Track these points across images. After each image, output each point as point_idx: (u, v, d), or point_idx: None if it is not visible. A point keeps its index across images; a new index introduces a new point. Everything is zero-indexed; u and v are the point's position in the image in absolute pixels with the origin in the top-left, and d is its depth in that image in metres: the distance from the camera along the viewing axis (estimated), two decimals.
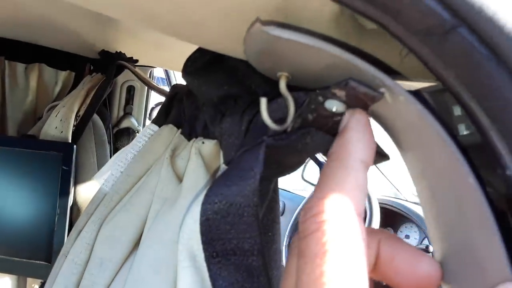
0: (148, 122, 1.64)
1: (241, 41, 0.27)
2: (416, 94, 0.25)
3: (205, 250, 0.28)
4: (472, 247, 0.24)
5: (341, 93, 0.25)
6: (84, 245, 0.42)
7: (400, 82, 0.25)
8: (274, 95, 0.30)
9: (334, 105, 0.26)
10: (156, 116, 0.52)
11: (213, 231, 0.28)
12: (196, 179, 0.37)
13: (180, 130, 0.45)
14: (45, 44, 1.28)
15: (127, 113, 1.47)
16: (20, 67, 1.33)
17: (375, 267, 0.27)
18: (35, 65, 1.35)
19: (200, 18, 0.26)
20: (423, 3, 0.20)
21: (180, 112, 0.47)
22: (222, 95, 0.35)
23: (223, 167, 0.34)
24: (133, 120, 1.46)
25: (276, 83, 0.28)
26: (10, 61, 1.32)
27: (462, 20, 0.20)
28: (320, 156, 2.05)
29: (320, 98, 0.27)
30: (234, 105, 0.35)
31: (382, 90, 0.24)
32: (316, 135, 0.28)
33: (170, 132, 0.46)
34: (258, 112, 0.32)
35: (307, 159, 1.58)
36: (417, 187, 0.28)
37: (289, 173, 0.33)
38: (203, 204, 0.28)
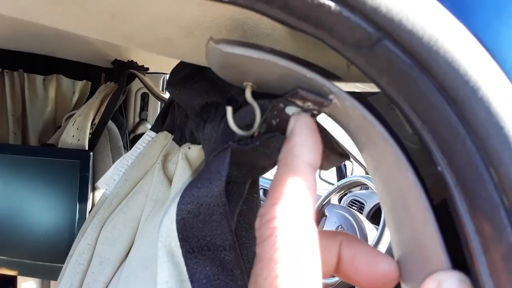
0: None
1: (200, 52, 0.30)
2: (363, 98, 0.27)
3: (182, 246, 0.31)
4: (418, 240, 0.26)
5: (295, 100, 0.28)
6: (87, 246, 0.46)
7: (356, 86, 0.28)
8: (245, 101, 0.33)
9: (293, 111, 0.29)
10: (154, 123, 0.55)
11: (188, 229, 0.31)
12: (182, 182, 0.40)
13: (172, 136, 0.48)
14: (61, 56, 1.35)
15: (143, 119, 1.52)
16: (38, 79, 1.40)
17: (337, 267, 0.28)
18: (53, 76, 1.42)
19: (167, 36, 0.30)
20: (351, 20, 0.22)
21: (173, 119, 0.50)
22: (204, 104, 0.38)
23: None
24: (149, 126, 1.52)
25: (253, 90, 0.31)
26: (29, 73, 1.39)
27: (385, 33, 0.22)
28: None
29: (281, 105, 0.29)
30: (214, 112, 0.38)
31: (331, 96, 0.27)
32: (280, 138, 0.30)
33: (165, 138, 0.50)
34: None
35: None
36: (374, 185, 0.30)
37: (263, 173, 0.35)
38: (178, 204, 0.31)
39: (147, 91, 1.50)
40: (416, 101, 0.23)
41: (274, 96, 0.31)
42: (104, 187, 0.54)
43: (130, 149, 1.41)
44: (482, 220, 0.22)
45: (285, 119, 0.30)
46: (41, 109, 1.43)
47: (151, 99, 1.53)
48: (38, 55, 1.36)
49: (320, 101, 0.27)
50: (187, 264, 0.31)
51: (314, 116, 0.29)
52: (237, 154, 0.30)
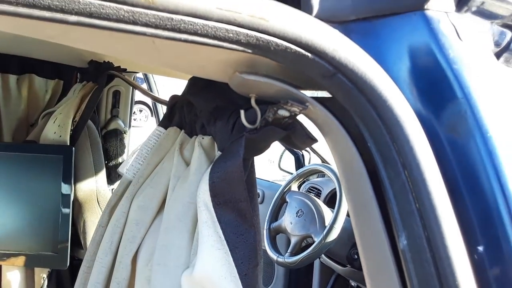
0: (133, 122, 1.83)
1: (225, 76, 0.49)
2: (325, 103, 0.47)
3: (212, 201, 0.50)
4: (367, 221, 0.46)
5: (286, 106, 0.48)
6: (122, 214, 0.63)
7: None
8: (249, 105, 0.52)
9: (283, 112, 0.49)
10: (161, 121, 0.73)
11: (217, 188, 0.50)
12: (199, 163, 0.59)
13: (183, 130, 0.66)
14: (36, 56, 1.46)
15: (114, 116, 1.66)
16: (12, 78, 1.50)
17: None
18: (25, 76, 1.52)
19: (202, 65, 0.48)
20: (320, 63, 0.42)
21: (181, 117, 0.68)
22: (215, 106, 0.57)
23: (218, 153, 0.56)
24: (120, 122, 1.66)
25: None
26: (2, 73, 1.48)
27: (338, 70, 0.42)
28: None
29: (275, 109, 0.49)
30: (223, 112, 0.57)
31: (307, 104, 0.47)
32: (274, 129, 0.50)
33: (175, 132, 0.68)
34: (239, 117, 0.54)
35: (284, 150, 1.81)
36: (333, 158, 0.51)
37: (261, 153, 0.55)
38: (210, 173, 0.50)
39: (119, 89, 1.64)
40: (355, 106, 0.44)
41: (269, 103, 0.50)
42: (125, 171, 0.71)
43: (102, 145, 1.54)
44: (390, 170, 0.42)
45: (278, 117, 0.49)
46: (14, 108, 1.52)
47: (122, 97, 1.66)
48: (11, 55, 1.45)
49: (300, 107, 0.47)
50: (216, 212, 0.50)
51: (296, 115, 0.49)
52: (248, 140, 0.49)
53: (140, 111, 7.72)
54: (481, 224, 0.41)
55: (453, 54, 0.42)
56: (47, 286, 1.35)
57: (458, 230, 0.40)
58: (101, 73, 1.34)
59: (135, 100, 2.14)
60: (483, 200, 0.41)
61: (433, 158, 0.41)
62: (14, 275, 1.38)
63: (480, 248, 0.40)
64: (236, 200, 0.50)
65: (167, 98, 0.80)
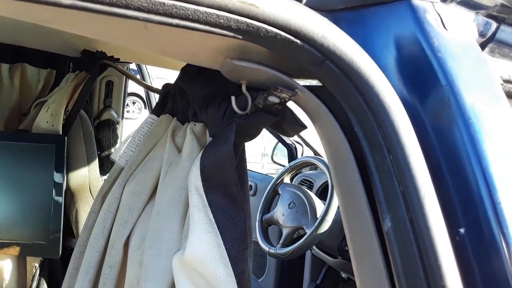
0: (125, 113, 1.83)
1: (217, 62, 0.50)
2: (317, 90, 0.48)
3: (203, 185, 0.51)
4: (354, 204, 0.48)
5: (276, 92, 0.49)
6: (114, 199, 0.65)
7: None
8: (240, 92, 0.53)
9: (273, 99, 0.50)
10: (154, 109, 0.74)
11: (208, 173, 0.51)
12: (191, 149, 0.60)
13: (175, 118, 0.67)
14: (29, 45, 1.46)
15: (107, 106, 1.66)
16: (4, 67, 1.50)
17: None
18: (18, 65, 1.52)
19: (194, 51, 0.49)
20: (309, 50, 0.43)
21: (174, 104, 0.69)
22: (207, 93, 0.58)
23: (210, 139, 0.57)
24: (113, 112, 1.66)
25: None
26: None
27: (327, 57, 0.43)
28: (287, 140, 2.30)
29: (266, 95, 0.50)
30: (214, 99, 0.58)
31: (296, 90, 0.48)
32: (264, 115, 0.51)
33: (167, 120, 0.69)
34: (230, 103, 0.55)
35: (276, 143, 1.83)
36: (322, 144, 0.52)
37: (251, 139, 0.56)
38: (201, 158, 0.51)
39: (112, 79, 1.64)
40: (343, 93, 0.45)
41: (260, 89, 0.52)
42: (117, 158, 0.72)
43: (95, 135, 1.54)
44: (376, 154, 0.44)
45: (268, 104, 0.51)
46: (6, 97, 1.52)
47: (115, 87, 1.67)
48: (4, 44, 1.45)
49: (290, 93, 0.48)
50: (207, 196, 0.51)
51: (286, 101, 0.50)
52: (238, 125, 0.50)
53: (134, 103, 7.70)
54: (463, 206, 0.42)
55: (438, 42, 0.44)
56: (39, 275, 1.36)
57: (440, 213, 0.41)
58: (94, 62, 1.35)
59: (129, 92, 2.14)
60: (465, 184, 0.42)
61: (417, 143, 0.42)
62: (6, 264, 1.39)
63: (462, 230, 0.42)
64: (226, 185, 0.51)
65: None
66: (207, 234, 0.50)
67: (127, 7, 0.37)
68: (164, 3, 0.38)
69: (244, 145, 0.58)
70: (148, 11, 0.38)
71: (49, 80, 1.57)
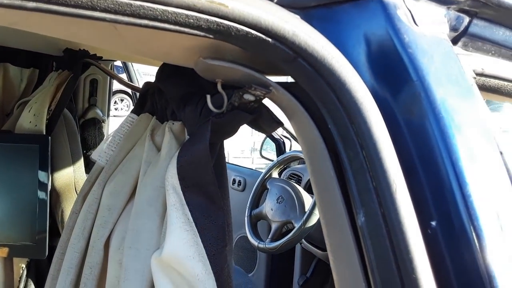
0: (113, 110, 1.82)
1: (191, 61, 0.50)
2: (289, 87, 0.48)
3: (181, 184, 0.51)
4: (329, 200, 0.48)
5: (250, 90, 0.49)
6: (94, 200, 0.64)
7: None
8: (216, 90, 0.54)
9: (248, 97, 0.50)
10: (134, 108, 0.74)
11: (185, 172, 0.51)
12: (170, 148, 0.60)
13: (155, 117, 0.67)
14: (11, 45, 1.44)
15: (92, 105, 1.65)
16: None
17: None
18: (0, 65, 1.49)
19: (167, 51, 0.49)
20: (281, 48, 0.43)
21: (153, 103, 0.69)
22: (184, 92, 0.58)
23: (187, 137, 0.57)
24: (98, 111, 1.65)
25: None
26: None
27: (299, 55, 0.43)
28: (276, 134, 2.30)
29: (241, 93, 0.50)
30: (191, 98, 0.58)
31: (271, 88, 0.48)
32: (240, 113, 0.51)
33: (147, 118, 0.69)
34: (206, 102, 0.55)
35: (265, 138, 1.82)
36: (304, 156, 0.52)
37: (228, 137, 0.56)
38: (178, 157, 0.51)
39: (96, 77, 1.63)
40: (316, 90, 0.45)
41: (235, 87, 0.52)
42: (97, 158, 0.72)
43: (80, 134, 1.53)
44: (349, 150, 0.44)
45: (243, 102, 0.51)
46: None
47: (100, 85, 1.65)
48: None
49: (264, 91, 0.48)
50: (184, 195, 0.52)
51: (261, 99, 0.50)
52: (214, 124, 0.51)
53: (122, 100, 7.64)
54: (434, 200, 0.43)
55: (408, 38, 0.44)
56: (26, 275, 1.35)
57: (411, 207, 0.42)
58: (76, 61, 1.33)
59: (116, 89, 2.12)
60: (436, 178, 0.43)
61: (389, 138, 0.43)
62: None
63: (433, 223, 0.43)
64: (203, 183, 0.51)
65: None
66: (185, 232, 0.50)
67: (93, 8, 0.37)
68: (131, 4, 0.38)
69: (222, 143, 0.58)
70: (115, 12, 0.38)
71: (32, 79, 1.55)
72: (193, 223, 0.50)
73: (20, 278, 1.36)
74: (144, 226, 0.56)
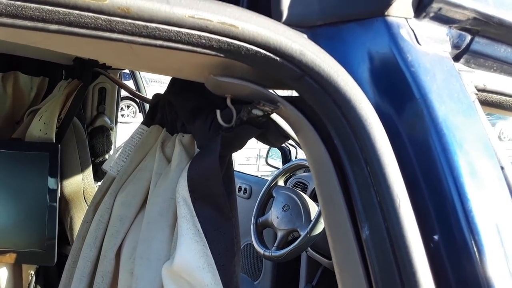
0: (119, 117, 1.85)
1: (202, 77, 0.52)
2: (295, 102, 0.50)
3: (191, 196, 0.53)
4: (335, 213, 0.50)
5: (259, 106, 0.51)
6: (106, 209, 0.66)
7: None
8: (226, 105, 0.56)
9: (257, 112, 0.52)
10: (144, 119, 0.76)
11: (195, 184, 0.53)
12: (180, 160, 0.62)
13: (165, 128, 0.69)
14: (21, 54, 1.47)
15: (100, 113, 1.67)
16: None
17: None
18: (10, 73, 1.53)
19: (179, 68, 0.51)
20: (288, 66, 0.45)
21: (163, 115, 0.71)
22: (194, 106, 0.60)
23: (197, 150, 0.59)
24: (106, 119, 1.68)
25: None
26: None
27: (306, 73, 0.45)
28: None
29: (250, 108, 0.52)
30: (201, 112, 0.60)
31: (278, 103, 0.50)
32: (249, 128, 0.53)
33: (157, 130, 0.71)
34: (216, 116, 0.57)
35: (269, 148, 1.84)
36: (305, 154, 0.54)
37: (237, 150, 0.58)
38: (188, 170, 0.53)
39: (104, 85, 1.65)
40: (322, 106, 0.47)
41: (244, 102, 0.54)
42: (109, 168, 0.74)
43: (88, 141, 1.56)
44: (354, 165, 0.46)
45: (252, 117, 0.53)
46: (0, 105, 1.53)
47: (108, 93, 1.68)
48: None
49: (272, 107, 0.50)
50: (194, 207, 0.53)
51: (269, 114, 0.52)
52: (224, 138, 0.53)
53: (128, 107, 7.71)
54: (436, 214, 0.44)
55: (411, 57, 0.46)
56: (35, 282, 1.38)
57: (415, 221, 0.43)
58: (86, 70, 1.36)
59: (123, 96, 2.15)
60: (438, 193, 0.44)
61: (392, 154, 0.45)
62: (1, 272, 1.40)
63: (436, 237, 0.44)
64: (213, 195, 0.53)
65: (158, 90, 0.83)
66: (195, 243, 0.52)
67: (111, 30, 0.39)
68: (147, 26, 0.40)
69: (230, 156, 0.60)
70: (132, 34, 0.40)
71: (42, 87, 1.58)
72: (203, 235, 0.52)
73: (29, 284, 1.38)
74: (155, 236, 0.58)
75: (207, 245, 0.52)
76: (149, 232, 0.58)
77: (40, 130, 1.36)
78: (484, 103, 0.57)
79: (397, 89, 0.46)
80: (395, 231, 0.43)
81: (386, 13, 0.47)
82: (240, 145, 0.56)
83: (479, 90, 0.55)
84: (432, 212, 0.44)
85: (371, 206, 0.44)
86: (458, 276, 0.43)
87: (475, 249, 0.43)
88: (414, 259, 0.42)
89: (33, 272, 1.40)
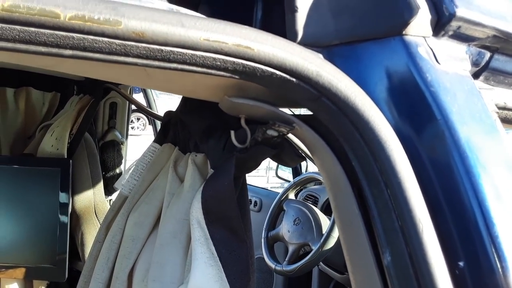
0: (129, 129, 1.85)
1: (216, 98, 0.51)
2: (314, 123, 0.49)
3: (205, 218, 0.52)
4: (354, 237, 0.48)
5: (274, 127, 0.50)
6: (118, 230, 0.65)
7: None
8: (240, 125, 0.55)
9: (272, 132, 0.51)
10: (156, 137, 0.75)
11: (209, 206, 0.52)
12: (193, 180, 0.61)
13: (177, 147, 0.68)
14: (33, 70, 1.48)
15: (111, 127, 1.68)
16: (9, 92, 1.52)
17: None
18: (23, 89, 1.54)
19: (193, 89, 0.51)
20: (305, 87, 0.44)
21: (175, 134, 0.70)
22: (207, 125, 0.59)
23: (211, 170, 0.58)
24: (117, 133, 1.68)
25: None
26: None
27: (322, 94, 0.44)
28: None
29: (264, 129, 0.51)
30: (214, 131, 0.59)
31: (294, 124, 0.49)
32: (263, 148, 0.52)
33: (170, 149, 0.70)
34: (230, 136, 0.56)
35: None
36: (321, 175, 0.53)
37: (251, 171, 0.57)
38: (202, 192, 0.52)
39: (115, 100, 1.66)
40: (340, 128, 0.46)
41: (259, 123, 0.53)
42: (121, 187, 0.73)
43: (99, 156, 1.56)
44: (373, 188, 0.44)
45: (267, 137, 0.52)
46: (12, 121, 1.54)
47: (119, 108, 1.69)
48: (9, 69, 1.48)
49: (288, 128, 0.49)
50: (208, 229, 0.52)
51: (284, 135, 0.51)
52: (238, 159, 0.51)
53: (138, 119, 7.76)
54: (461, 240, 0.43)
55: (431, 77, 0.45)
56: None
57: (438, 246, 0.42)
58: (97, 86, 1.37)
59: (133, 108, 2.16)
60: (463, 217, 0.43)
61: (413, 177, 0.43)
62: (13, 287, 1.40)
63: (461, 263, 0.42)
64: (228, 217, 0.52)
65: (167, 102, 0.83)
66: (209, 267, 0.51)
67: (126, 55, 0.38)
68: (162, 50, 0.39)
69: (244, 176, 0.59)
70: (147, 58, 0.39)
71: (53, 103, 1.59)
72: (218, 258, 0.51)
73: None
74: (168, 258, 0.57)
75: (222, 269, 0.51)
76: (162, 254, 0.57)
77: (52, 145, 1.36)
78: (504, 121, 0.55)
79: (416, 109, 0.45)
80: (418, 257, 0.41)
81: (404, 32, 0.46)
82: (254, 165, 0.55)
83: (499, 108, 0.53)
84: (456, 237, 0.42)
85: (392, 231, 0.43)
86: None
87: (502, 276, 0.41)
88: (439, 286, 0.40)
89: None
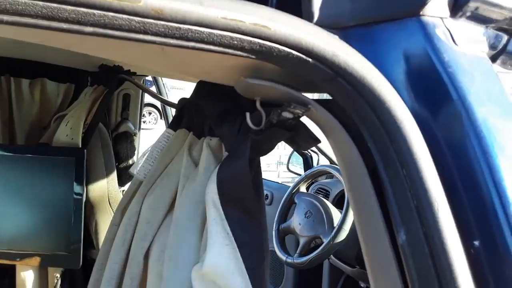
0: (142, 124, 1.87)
1: (231, 80, 0.52)
2: (327, 104, 0.49)
3: (220, 199, 0.53)
4: (369, 218, 0.49)
5: (289, 108, 0.50)
6: (134, 213, 0.66)
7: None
8: (254, 108, 0.55)
9: (287, 114, 0.51)
10: (171, 123, 0.76)
11: (224, 187, 0.52)
12: (208, 163, 0.61)
13: (192, 132, 0.69)
14: (48, 61, 1.50)
15: (124, 119, 1.69)
16: (24, 82, 1.54)
17: None
18: (38, 80, 1.56)
19: (209, 70, 0.51)
20: (320, 67, 0.44)
21: (190, 119, 0.71)
22: (222, 109, 0.60)
23: (226, 153, 0.59)
24: (130, 125, 1.69)
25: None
26: (15, 77, 1.52)
27: (338, 74, 0.45)
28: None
29: (279, 111, 0.51)
30: (229, 115, 0.60)
31: (309, 106, 0.49)
32: (278, 130, 0.52)
33: (184, 134, 0.71)
34: (244, 119, 0.56)
35: (292, 152, 1.83)
36: (335, 157, 0.53)
37: (266, 153, 0.57)
38: (218, 173, 0.53)
39: (129, 92, 1.67)
40: (355, 108, 0.46)
41: (274, 105, 0.53)
42: (136, 172, 0.74)
43: (113, 147, 1.57)
44: (389, 169, 0.44)
45: (282, 119, 0.52)
46: (27, 111, 1.57)
47: (132, 100, 1.70)
48: (25, 60, 1.50)
49: (303, 109, 0.49)
50: (224, 210, 0.53)
51: (299, 117, 0.51)
52: (254, 141, 0.52)
53: (150, 113, 7.82)
54: (476, 219, 0.43)
55: (448, 58, 0.45)
56: (61, 285, 1.39)
57: (454, 226, 0.42)
58: (111, 77, 1.38)
59: (145, 102, 2.17)
60: (478, 197, 0.43)
61: (429, 157, 0.43)
62: (28, 275, 1.43)
63: (476, 243, 0.42)
64: (243, 198, 0.53)
65: (176, 100, 0.83)
66: (225, 247, 0.51)
67: (145, 32, 0.39)
68: (180, 28, 0.40)
69: (259, 159, 0.59)
70: (165, 36, 0.40)
71: (68, 94, 1.61)
72: (233, 238, 0.51)
73: (55, 287, 1.39)
74: (183, 239, 0.57)
75: (237, 249, 0.51)
76: (177, 235, 0.58)
77: (67, 135, 1.38)
78: None
79: (433, 90, 0.45)
80: (433, 236, 0.41)
81: (421, 13, 0.46)
82: (269, 148, 0.55)
83: None
84: (472, 217, 0.42)
85: (407, 210, 0.43)
86: (500, 284, 0.41)
87: None
88: (454, 265, 0.40)
89: (58, 275, 1.42)
